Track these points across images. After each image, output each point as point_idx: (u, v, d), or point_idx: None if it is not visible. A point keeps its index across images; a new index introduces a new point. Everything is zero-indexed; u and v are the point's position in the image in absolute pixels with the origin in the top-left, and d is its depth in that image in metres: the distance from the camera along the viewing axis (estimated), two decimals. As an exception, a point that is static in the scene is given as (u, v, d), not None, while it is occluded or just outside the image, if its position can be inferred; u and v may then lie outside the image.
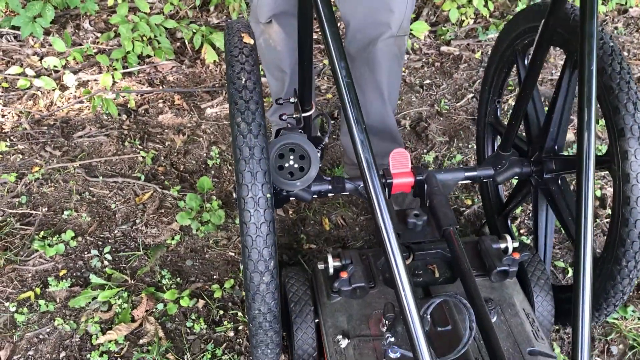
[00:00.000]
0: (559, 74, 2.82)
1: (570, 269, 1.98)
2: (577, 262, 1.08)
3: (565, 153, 1.76)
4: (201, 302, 1.86)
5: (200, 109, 2.67)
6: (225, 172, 2.34)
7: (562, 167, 1.59)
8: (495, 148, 1.95)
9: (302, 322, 1.45)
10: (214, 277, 1.96)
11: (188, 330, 1.80)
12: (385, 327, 1.32)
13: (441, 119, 2.63)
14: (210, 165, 2.37)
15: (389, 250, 1.05)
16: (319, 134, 2.40)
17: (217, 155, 2.40)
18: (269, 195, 1.21)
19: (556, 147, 1.61)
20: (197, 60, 2.96)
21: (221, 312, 1.84)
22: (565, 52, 1.48)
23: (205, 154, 2.42)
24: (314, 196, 1.55)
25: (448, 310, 1.39)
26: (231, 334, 1.78)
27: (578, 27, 1.25)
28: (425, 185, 1.56)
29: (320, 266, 1.47)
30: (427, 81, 2.86)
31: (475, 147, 2.46)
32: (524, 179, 1.72)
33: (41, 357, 1.73)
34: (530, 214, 2.18)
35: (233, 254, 2.03)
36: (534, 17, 1.54)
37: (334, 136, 2.52)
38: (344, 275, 1.38)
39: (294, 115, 1.72)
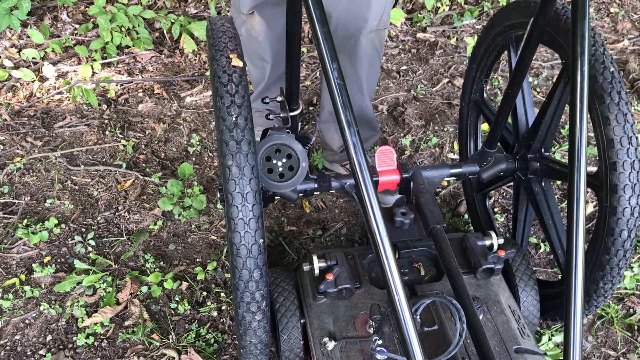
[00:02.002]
0: (539, 62, 2.89)
1: (542, 244, 2.05)
2: (569, 262, 1.07)
3: (552, 152, 1.74)
4: (185, 284, 1.90)
5: (180, 98, 2.70)
6: (206, 158, 2.38)
7: (547, 172, 1.59)
8: (477, 126, 1.97)
9: (288, 324, 1.45)
10: (197, 260, 2.00)
11: (172, 312, 1.84)
12: (372, 329, 1.32)
13: (417, 103, 2.68)
14: (191, 152, 2.40)
15: (382, 252, 1.04)
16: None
17: (198, 143, 2.43)
18: (261, 241, 1.18)
19: (543, 149, 1.61)
20: (176, 50, 2.99)
21: (204, 293, 1.88)
22: (558, 53, 1.46)
23: (185, 142, 2.46)
24: (300, 195, 1.53)
25: (434, 309, 1.38)
26: (215, 313, 1.83)
27: (568, 27, 1.23)
28: (411, 183, 1.55)
29: (306, 267, 1.45)
30: (404, 67, 2.91)
31: (450, 130, 2.53)
32: (517, 188, 1.73)
33: (27, 341, 1.76)
34: (505, 194, 2.25)
35: (215, 238, 2.07)
36: (530, 12, 1.47)
37: (313, 122, 2.57)
38: (330, 277, 1.38)
39: (281, 115, 1.70)
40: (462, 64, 2.91)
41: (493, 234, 1.51)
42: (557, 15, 1.38)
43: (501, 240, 1.51)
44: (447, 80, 2.81)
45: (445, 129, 2.53)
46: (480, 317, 1.34)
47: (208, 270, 1.94)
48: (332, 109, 2.18)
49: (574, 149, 1.12)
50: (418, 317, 1.23)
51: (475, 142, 2.00)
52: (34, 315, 1.83)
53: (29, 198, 2.20)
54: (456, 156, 2.42)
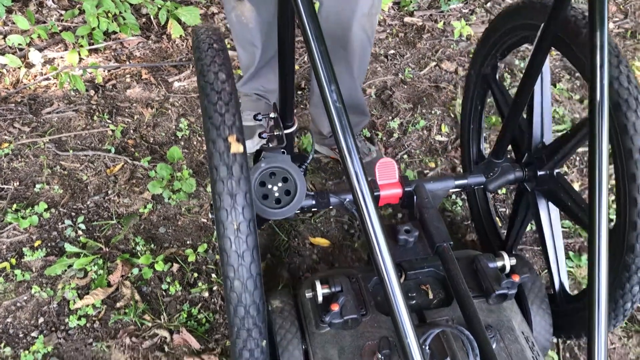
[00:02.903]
0: (525, 45, 2.91)
1: (529, 225, 2.08)
2: (592, 275, 0.99)
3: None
4: (175, 266, 1.91)
5: (168, 83, 2.69)
6: (195, 142, 2.38)
7: (554, 153, 1.50)
8: (483, 101, 1.85)
9: (289, 354, 1.36)
10: (188, 242, 2.01)
11: (164, 293, 1.85)
12: None
13: (405, 87, 2.70)
14: (180, 137, 2.40)
15: (386, 278, 0.97)
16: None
17: (186, 127, 2.43)
18: (259, 280, 1.13)
19: (544, 141, 1.54)
20: (163, 36, 2.98)
21: (195, 274, 1.90)
22: (573, 65, 1.35)
23: (174, 126, 2.46)
24: (297, 213, 1.44)
25: (445, 338, 1.28)
26: (206, 294, 1.84)
27: (581, 33, 1.16)
28: (415, 197, 1.48)
29: (308, 294, 1.37)
30: (392, 51, 2.92)
31: (438, 112, 2.54)
32: (520, 192, 1.65)
33: (20, 323, 1.77)
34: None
35: (205, 220, 2.08)
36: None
37: (301, 106, 2.58)
38: (335, 307, 1.30)
39: (275, 133, 1.62)
40: (449, 47, 2.93)
41: (505, 255, 1.43)
42: (571, 21, 1.28)
43: (513, 261, 1.42)
44: (434, 63, 2.83)
45: (433, 112, 2.55)
46: (494, 346, 1.25)
47: (199, 252, 1.96)
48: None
49: (594, 193, 0.99)
50: (427, 348, 1.17)
51: (479, 120, 1.88)
52: (25, 298, 1.83)
53: (17, 183, 2.19)
54: (444, 138, 2.44)
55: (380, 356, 1.25)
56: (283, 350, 1.36)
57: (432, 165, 2.33)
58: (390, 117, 2.53)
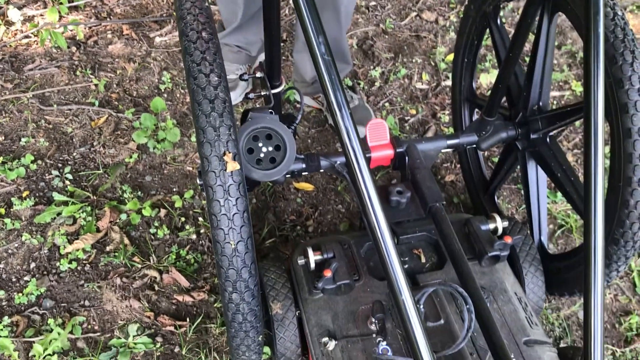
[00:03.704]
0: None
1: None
2: (587, 229, 0.98)
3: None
4: (163, 212, 1.96)
5: (150, 38, 2.70)
6: (178, 95, 2.40)
7: (549, 123, 1.50)
8: (479, 39, 1.77)
9: (283, 320, 1.38)
10: (174, 189, 2.05)
11: (152, 237, 1.89)
12: (374, 326, 1.27)
13: (386, 37, 2.72)
14: (163, 90, 2.42)
15: (380, 240, 0.95)
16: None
17: (169, 80, 2.45)
18: (256, 290, 1.14)
19: (541, 104, 1.52)
20: (143, -8, 2.96)
21: (183, 218, 1.94)
22: (566, 14, 1.31)
23: (157, 80, 2.47)
24: (287, 176, 1.42)
25: (439, 302, 1.28)
26: (194, 237, 1.89)
27: None
28: (406, 158, 1.46)
29: (300, 261, 1.37)
30: (372, 3, 2.93)
31: (419, 61, 2.58)
32: (510, 145, 1.63)
33: (12, 269, 1.81)
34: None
35: (190, 169, 2.12)
36: None
37: (282, 57, 2.59)
38: (328, 273, 1.29)
39: (262, 93, 1.60)
40: (429, -2, 2.94)
41: (497, 217, 1.43)
42: None
43: (505, 223, 1.43)
44: (415, 14, 2.84)
45: (413, 61, 2.58)
46: None
47: (185, 198, 2.00)
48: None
49: (589, 159, 1.00)
50: (422, 307, 1.16)
51: (474, 55, 1.80)
52: (16, 245, 1.87)
53: (3, 138, 2.21)
54: (424, 86, 2.48)
55: (374, 320, 1.26)
56: (279, 325, 1.37)
57: (413, 112, 2.37)
58: (372, 67, 2.56)
